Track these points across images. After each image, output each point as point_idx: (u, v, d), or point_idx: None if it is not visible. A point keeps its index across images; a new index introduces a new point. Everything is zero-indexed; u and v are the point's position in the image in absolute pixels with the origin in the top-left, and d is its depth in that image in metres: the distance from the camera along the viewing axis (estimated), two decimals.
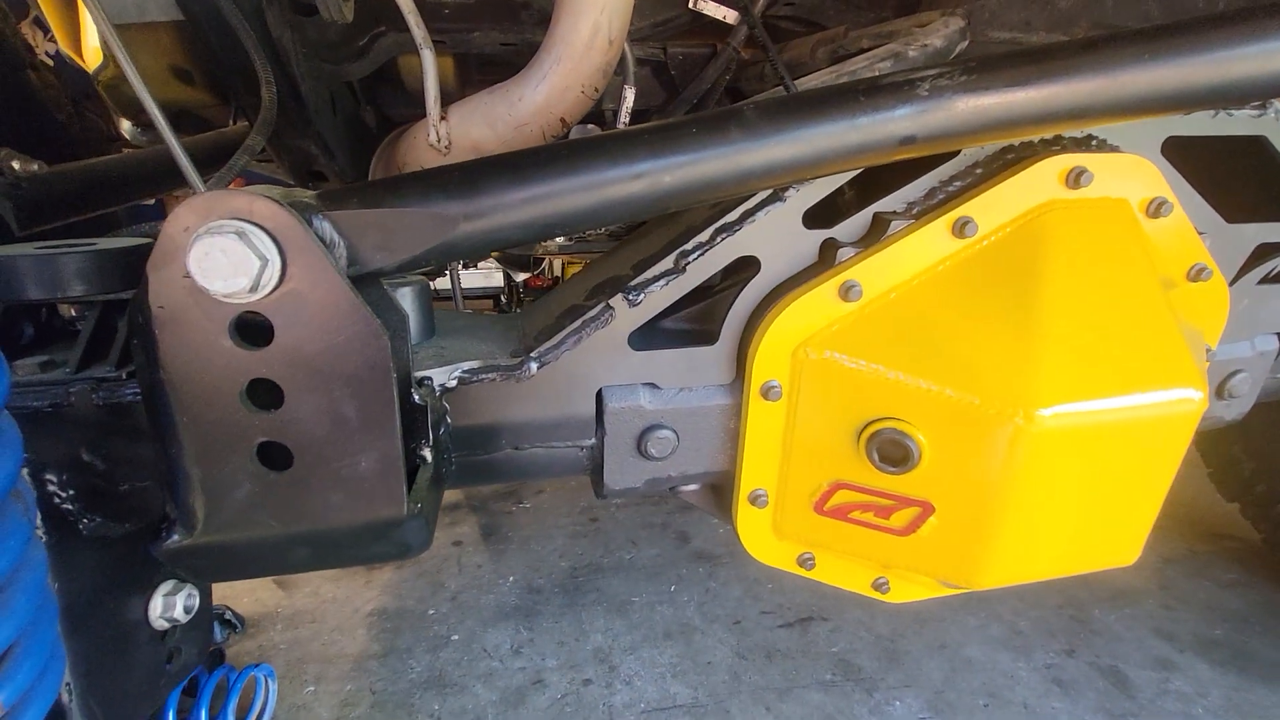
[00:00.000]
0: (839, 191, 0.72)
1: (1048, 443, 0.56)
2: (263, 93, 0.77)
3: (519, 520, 2.25)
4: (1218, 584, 1.68)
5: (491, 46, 1.25)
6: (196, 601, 0.70)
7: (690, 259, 0.63)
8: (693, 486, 0.75)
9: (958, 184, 0.65)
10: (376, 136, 1.32)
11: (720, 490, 0.77)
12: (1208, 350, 0.75)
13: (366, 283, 0.48)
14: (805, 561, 0.75)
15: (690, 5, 1.21)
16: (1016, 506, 0.59)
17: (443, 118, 0.98)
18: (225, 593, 1.82)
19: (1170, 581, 1.70)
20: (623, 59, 1.13)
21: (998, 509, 0.60)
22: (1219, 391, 0.81)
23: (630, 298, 0.62)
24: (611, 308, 0.63)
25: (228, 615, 1.70)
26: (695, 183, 0.49)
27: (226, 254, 0.39)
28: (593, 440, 0.68)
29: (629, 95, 1.13)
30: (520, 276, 4.88)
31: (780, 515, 0.72)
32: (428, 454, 0.57)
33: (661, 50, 1.30)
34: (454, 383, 0.61)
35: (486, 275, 5.92)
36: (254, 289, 0.41)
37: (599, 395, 0.66)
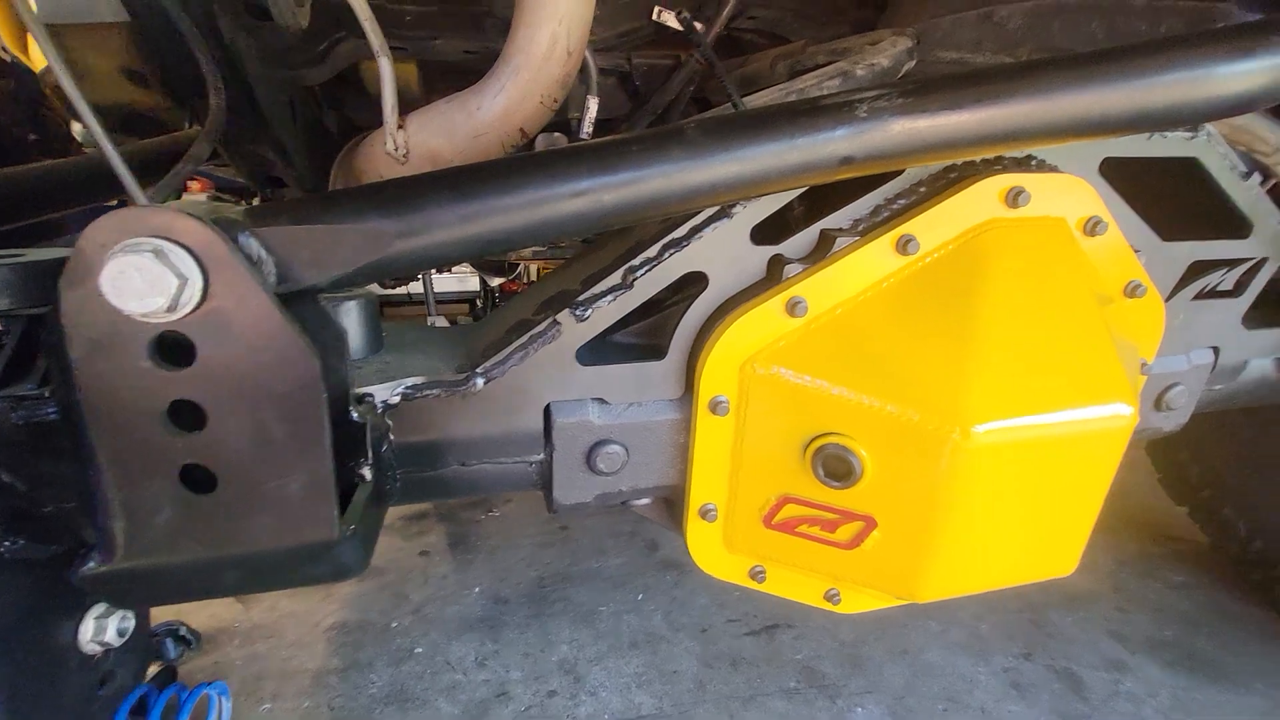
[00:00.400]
0: (789, 207, 0.73)
1: (983, 458, 0.58)
2: (211, 99, 0.75)
3: (487, 529, 2.23)
4: (1168, 585, 1.73)
5: (455, 54, 1.24)
6: (131, 624, 0.68)
7: (638, 274, 0.63)
8: (644, 501, 0.75)
9: (902, 202, 0.66)
10: (340, 142, 1.30)
11: (673, 504, 0.77)
12: (1144, 364, 0.77)
13: (299, 300, 0.47)
14: (757, 574, 0.75)
15: (654, 17, 1.22)
16: (955, 520, 0.60)
17: (400, 126, 0.97)
18: (180, 608, 1.77)
19: (1124, 584, 1.75)
20: (585, 69, 1.13)
21: (937, 523, 0.61)
22: (1157, 404, 0.84)
23: (577, 313, 0.62)
24: (559, 323, 0.62)
25: (181, 631, 1.65)
26: (637, 201, 0.49)
27: (142, 273, 0.38)
28: (541, 455, 0.68)
29: (592, 105, 1.13)
30: (495, 281, 4.85)
31: (730, 529, 0.72)
32: (367, 472, 0.56)
33: (626, 60, 1.30)
34: (397, 399, 0.60)
35: (461, 280, 5.87)
36: (172, 309, 0.39)
37: (547, 410, 0.66)
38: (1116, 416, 0.61)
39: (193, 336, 0.41)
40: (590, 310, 0.63)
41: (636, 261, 0.63)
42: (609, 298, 0.63)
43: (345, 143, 1.26)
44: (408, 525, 2.26)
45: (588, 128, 1.13)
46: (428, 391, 0.61)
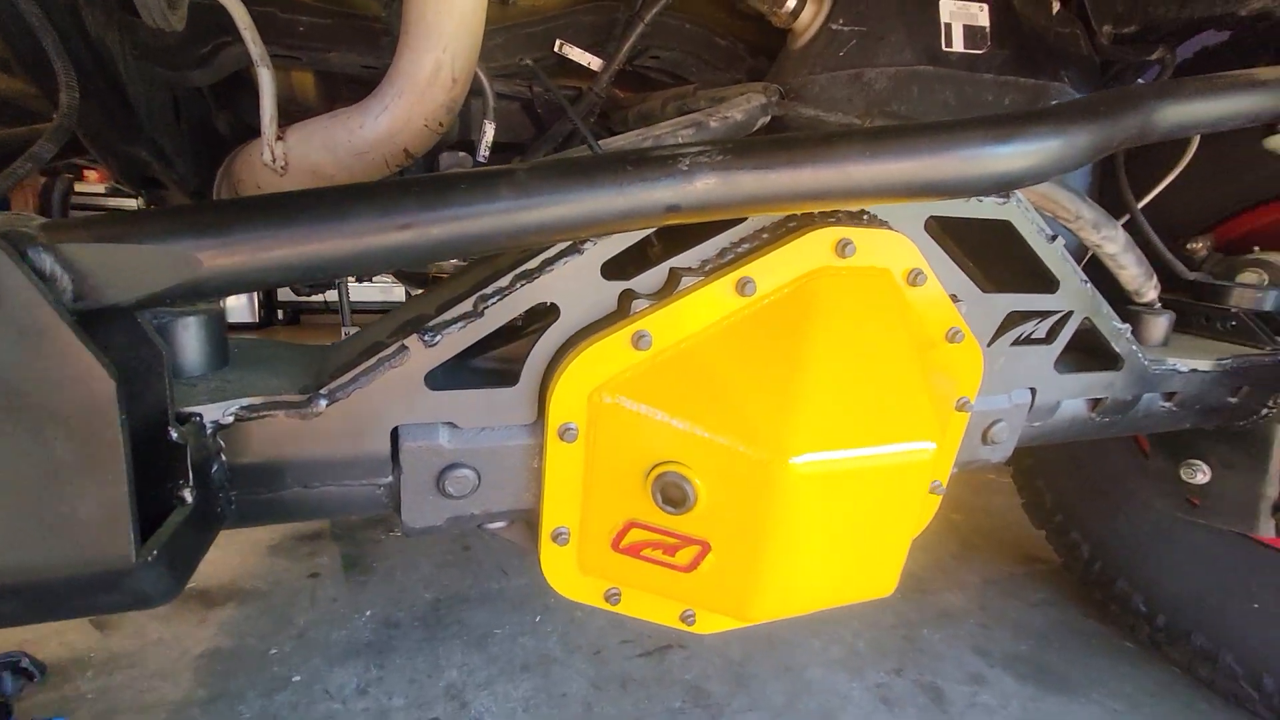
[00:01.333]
0: (649, 244, 0.77)
1: (801, 488, 0.62)
2: (61, 95, 0.72)
3: (386, 549, 2.15)
4: (1027, 603, 1.88)
5: (353, 68, 1.23)
6: None
7: (489, 303, 0.65)
8: (500, 524, 0.76)
9: (745, 246, 0.71)
10: (233, 145, 1.26)
11: (533, 526, 0.78)
12: (967, 402, 0.85)
13: (106, 317, 0.46)
14: (611, 597, 0.78)
15: (555, 49, 1.25)
16: (779, 546, 0.65)
17: (281, 137, 0.96)
18: (26, 636, 1.62)
19: (989, 601, 1.88)
20: (483, 93, 1.15)
21: (763, 548, 0.65)
22: (983, 438, 0.93)
23: (426, 338, 0.63)
24: (406, 348, 0.63)
25: (23, 663, 1.50)
26: (464, 237, 0.50)
27: None
28: (390, 479, 0.68)
29: (488, 129, 1.15)
30: (418, 292, 4.73)
31: (583, 552, 0.74)
32: (187, 494, 0.54)
33: (528, 89, 1.33)
34: (230, 419, 0.59)
35: (385, 290, 5.71)
36: None
37: (395, 434, 0.66)
38: (921, 451, 0.67)
39: None
40: (439, 336, 0.64)
41: (488, 290, 0.65)
42: (459, 325, 0.64)
43: (238, 146, 1.23)
44: (298, 545, 2.16)
45: (484, 152, 1.15)
46: (265, 412, 0.60)
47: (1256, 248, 1.27)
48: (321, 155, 0.94)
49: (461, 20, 0.84)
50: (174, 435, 0.53)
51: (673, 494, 0.65)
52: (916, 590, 1.93)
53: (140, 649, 1.63)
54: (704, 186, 0.55)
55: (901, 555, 0.74)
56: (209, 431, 0.58)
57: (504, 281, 0.65)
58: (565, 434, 0.68)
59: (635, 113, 1.32)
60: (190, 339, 0.62)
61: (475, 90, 1.16)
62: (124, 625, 1.71)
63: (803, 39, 1.22)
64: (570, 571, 0.75)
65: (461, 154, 1.26)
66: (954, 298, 0.82)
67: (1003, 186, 0.59)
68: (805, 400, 0.64)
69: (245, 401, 0.60)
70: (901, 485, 0.68)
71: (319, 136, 0.94)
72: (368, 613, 1.83)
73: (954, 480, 2.93)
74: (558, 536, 0.73)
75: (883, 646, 1.68)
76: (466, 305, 0.65)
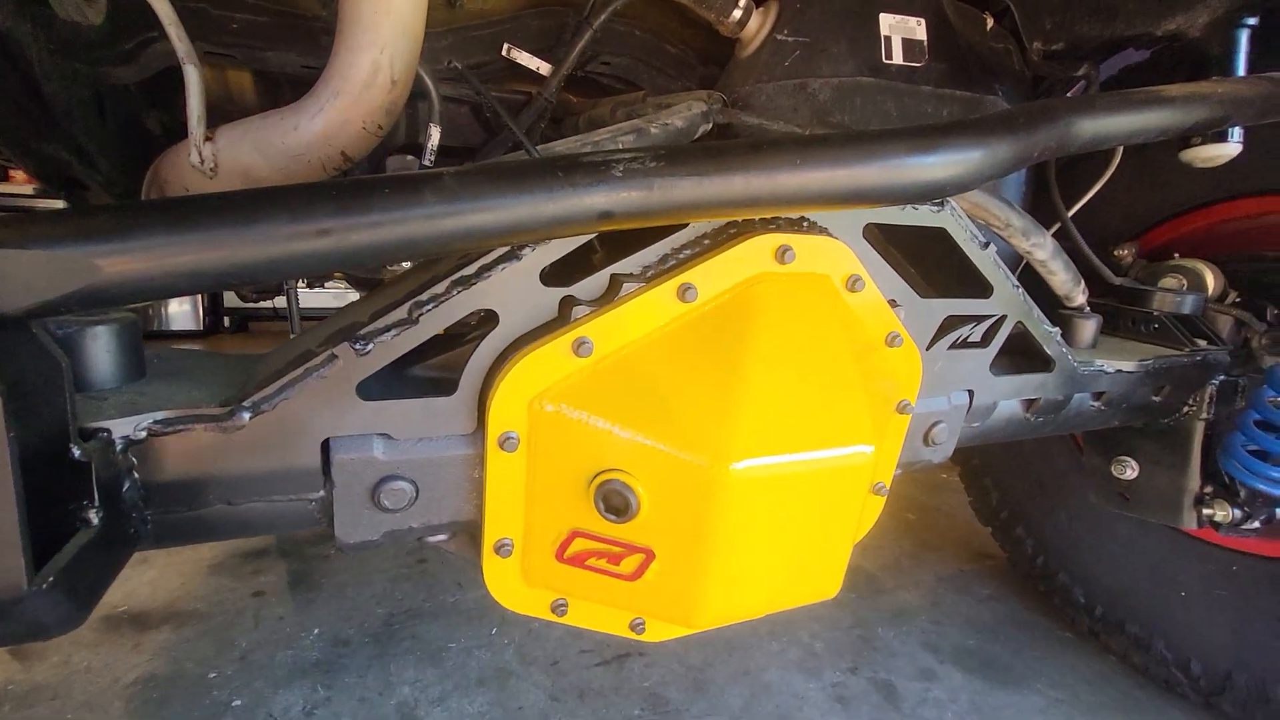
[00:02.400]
0: (591, 250, 0.77)
1: (741, 493, 0.63)
2: None
3: (336, 565, 2.08)
4: (976, 599, 1.93)
5: (293, 68, 1.19)
6: None
7: (424, 310, 0.63)
8: (442, 537, 0.74)
9: (688, 252, 0.71)
10: (165, 144, 1.21)
11: (476, 539, 0.77)
12: (907, 404, 0.87)
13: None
14: (558, 608, 0.76)
15: (504, 53, 1.24)
16: (720, 552, 0.65)
17: (210, 138, 0.92)
18: None
19: (941, 599, 1.93)
20: (429, 96, 1.13)
21: (705, 554, 0.65)
22: (925, 440, 0.95)
23: (357, 347, 0.61)
24: (336, 356, 0.61)
25: None
26: (387, 243, 0.49)
27: None
28: (321, 493, 0.65)
29: (434, 133, 1.13)
30: None
31: (528, 563, 0.73)
32: (93, 516, 0.51)
33: (476, 93, 1.32)
34: (142, 434, 0.56)
35: (338, 296, 5.56)
36: None
37: (326, 446, 0.63)
38: (859, 454, 0.68)
39: None
40: (371, 344, 0.62)
41: (424, 297, 0.63)
42: (392, 332, 0.62)
43: (170, 145, 1.17)
44: (242, 563, 2.07)
45: (429, 156, 1.13)
46: (181, 426, 0.57)
47: (1176, 254, 1.34)
48: (253, 157, 0.91)
49: (400, 20, 0.82)
50: (76, 453, 0.50)
51: (615, 502, 0.64)
52: (872, 590, 1.97)
53: (67, 678, 1.53)
54: (637, 193, 0.55)
55: (844, 556, 0.75)
56: (118, 448, 0.55)
57: (440, 288, 0.64)
58: (505, 443, 0.67)
59: (585, 118, 1.31)
60: (99, 349, 0.58)
61: (421, 93, 1.14)
62: (48, 654, 1.61)
63: (749, 48, 1.24)
64: (515, 583, 0.74)
65: (410, 158, 1.23)
66: (892, 303, 0.83)
67: (928, 195, 0.61)
68: (745, 406, 0.64)
69: (159, 415, 0.57)
70: (841, 488, 0.69)
71: (251, 137, 0.91)
72: (315, 631, 1.76)
73: (909, 481, 3.00)
74: (501, 548, 0.71)
75: (839, 647, 1.70)
76: (401, 312, 0.63)
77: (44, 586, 0.44)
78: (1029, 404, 1.04)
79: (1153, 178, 1.50)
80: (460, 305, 0.64)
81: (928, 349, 0.89)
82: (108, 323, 0.59)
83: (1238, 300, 1.28)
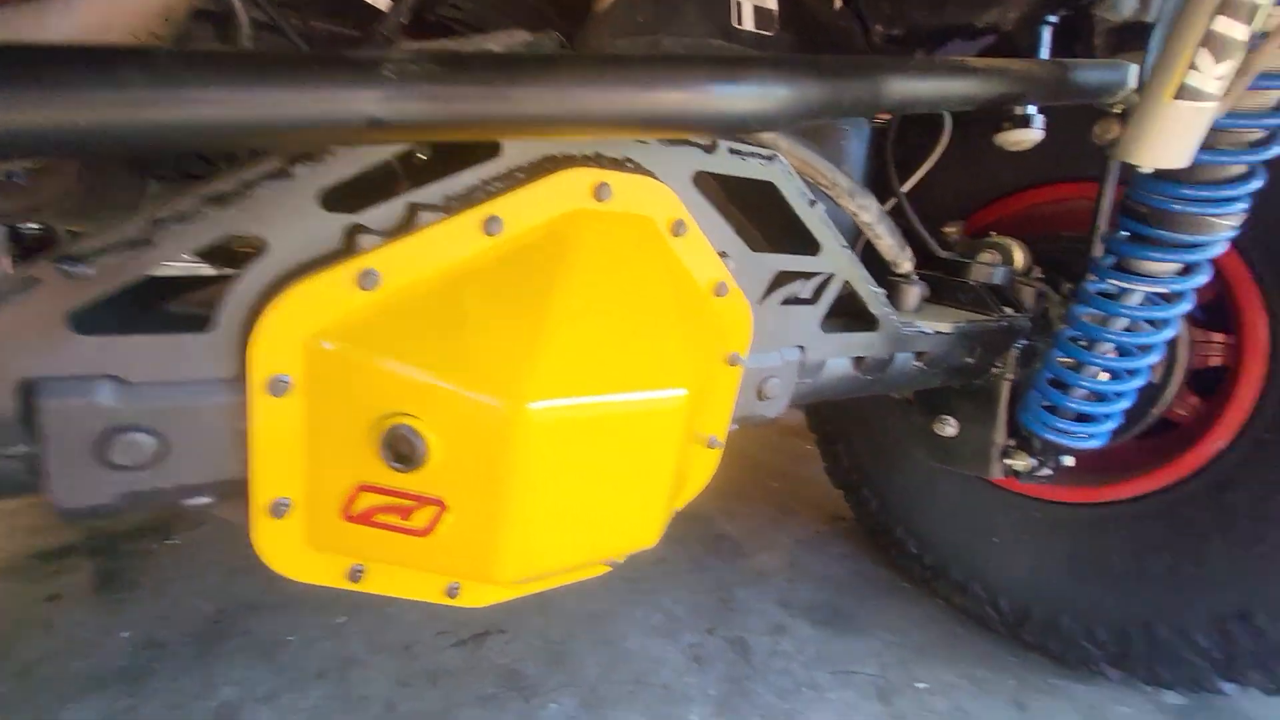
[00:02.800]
0: (394, 183, 0.69)
1: (539, 435, 0.59)
2: None
3: (160, 561, 1.84)
4: (829, 557, 2.05)
5: None
6: None
7: (165, 228, 0.53)
8: (204, 499, 0.64)
9: (498, 185, 0.66)
10: None
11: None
12: (738, 357, 0.87)
13: None
14: (354, 574, 0.69)
15: None
16: (520, 498, 0.61)
17: None
18: None
19: (798, 559, 2.04)
20: (234, 17, 0.99)
21: (503, 502, 0.61)
22: (758, 394, 0.97)
23: (67, 267, 0.50)
24: (37, 279, 0.50)
25: None
26: (61, 127, 0.40)
27: None
28: (25, 447, 0.54)
29: None
30: None
31: (313, 525, 0.65)
32: None
33: (301, 23, 1.18)
34: None
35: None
36: None
37: (28, 389, 0.52)
38: (673, 398, 0.67)
39: None
40: (88, 266, 0.51)
41: (164, 213, 0.54)
42: (121, 253, 0.52)
43: None
44: (39, 564, 1.78)
45: None
46: None
47: (993, 232, 1.47)
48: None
49: None
50: None
51: (402, 448, 0.59)
52: (736, 554, 2.04)
53: None
54: (413, 99, 0.49)
55: (661, 504, 0.74)
56: None
57: (186, 203, 0.54)
58: (276, 387, 0.59)
59: None
60: None
61: (228, 13, 1.00)
62: None
63: (604, 2, 1.20)
64: (297, 548, 0.66)
65: None
66: (722, 254, 0.83)
67: (728, 127, 0.60)
68: (547, 345, 0.61)
69: None
70: (653, 433, 0.67)
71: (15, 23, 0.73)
72: (123, 635, 1.55)
73: (772, 450, 3.11)
74: (277, 509, 0.63)
75: (699, 610, 1.74)
76: (131, 229, 0.53)
77: None
78: (858, 362, 1.10)
79: (978, 164, 1.64)
80: (213, 225, 0.55)
81: (760, 303, 0.90)
82: None
83: (1040, 275, 1.43)
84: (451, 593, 0.75)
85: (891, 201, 1.41)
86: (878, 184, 1.43)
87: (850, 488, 1.95)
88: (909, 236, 1.27)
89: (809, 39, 1.32)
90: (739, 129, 0.61)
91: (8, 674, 1.40)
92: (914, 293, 1.21)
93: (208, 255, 0.97)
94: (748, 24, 1.25)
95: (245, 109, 0.45)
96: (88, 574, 1.77)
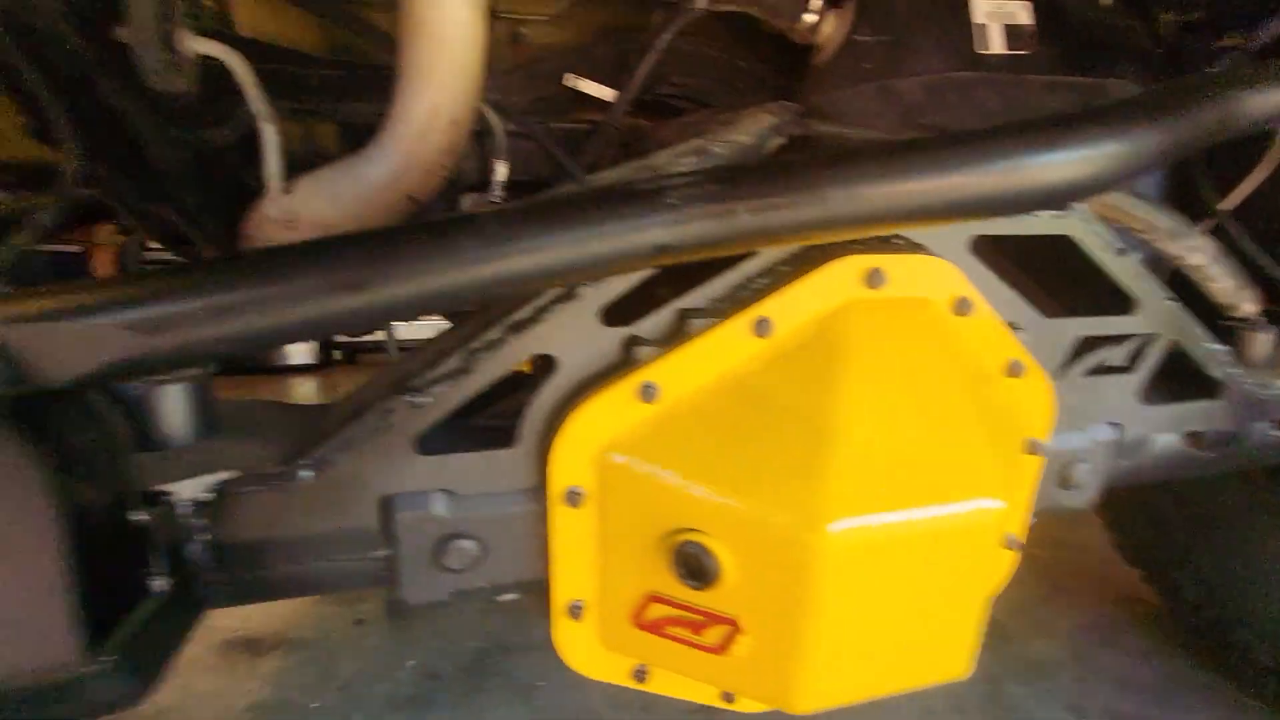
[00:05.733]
0: (656, 283, 0.71)
1: (842, 559, 0.53)
2: (65, 163, 0.72)
3: None
4: (1126, 652, 1.66)
5: (370, 117, 1.23)
6: None
7: (478, 357, 0.59)
8: (510, 595, 0.69)
9: (763, 281, 0.64)
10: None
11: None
12: (1038, 443, 0.73)
13: (44, 400, 0.43)
14: (639, 674, 0.70)
15: (564, 83, 1.22)
16: (820, 625, 0.56)
17: (289, 190, 0.95)
18: None
19: (1084, 651, 1.68)
20: (493, 132, 1.13)
21: (803, 628, 0.56)
22: (1062, 481, 0.80)
23: (410, 398, 0.58)
24: (391, 410, 0.58)
25: None
26: (424, 294, 0.45)
27: None
28: (385, 551, 0.62)
29: (500, 169, 1.12)
30: None
31: (605, 627, 0.67)
32: (160, 582, 0.50)
33: (543, 126, 1.31)
34: (207, 496, 0.55)
35: (438, 328, 5.79)
36: None
37: (387, 504, 0.61)
38: (986, 510, 0.57)
39: None
40: (425, 395, 0.58)
41: (477, 343, 0.60)
42: (447, 382, 0.59)
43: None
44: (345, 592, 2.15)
45: (497, 191, 1.12)
46: (244, 488, 0.56)
47: None
48: (328, 207, 0.93)
49: (456, 62, 0.81)
50: (140, 518, 0.49)
51: (693, 565, 0.57)
52: (1000, 638, 1.74)
53: (185, 701, 1.64)
54: (695, 222, 0.48)
55: (975, 629, 0.63)
56: (183, 510, 0.54)
57: (494, 333, 0.60)
58: (572, 498, 0.61)
59: (656, 141, 1.27)
60: (168, 409, 0.59)
61: (487, 130, 1.14)
62: (172, 676, 1.72)
63: (826, 54, 1.15)
64: (592, 647, 0.68)
65: (477, 195, 1.23)
66: (1012, 326, 0.71)
67: (1054, 201, 0.50)
68: (840, 456, 0.55)
69: (222, 476, 0.56)
70: (964, 548, 0.58)
71: (323, 187, 0.92)
72: (410, 663, 1.79)
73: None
74: (574, 610, 0.65)
75: (961, 703, 1.51)
76: (455, 360, 0.59)
77: (110, 664, 0.43)
78: (1193, 438, 0.87)
79: None
80: (516, 350, 0.60)
81: (1060, 378, 0.76)
82: (175, 382, 0.60)
83: None
84: (728, 697, 0.71)
85: (1208, 222, 1.13)
86: (1184, 204, 1.15)
87: (1155, 568, 1.56)
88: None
89: (1075, 48, 1.13)
90: (1065, 202, 0.51)
91: (333, 688, 1.69)
92: (1266, 342, 0.93)
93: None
94: (997, 47, 1.10)
95: (554, 257, 0.48)
96: (379, 603, 2.10)
